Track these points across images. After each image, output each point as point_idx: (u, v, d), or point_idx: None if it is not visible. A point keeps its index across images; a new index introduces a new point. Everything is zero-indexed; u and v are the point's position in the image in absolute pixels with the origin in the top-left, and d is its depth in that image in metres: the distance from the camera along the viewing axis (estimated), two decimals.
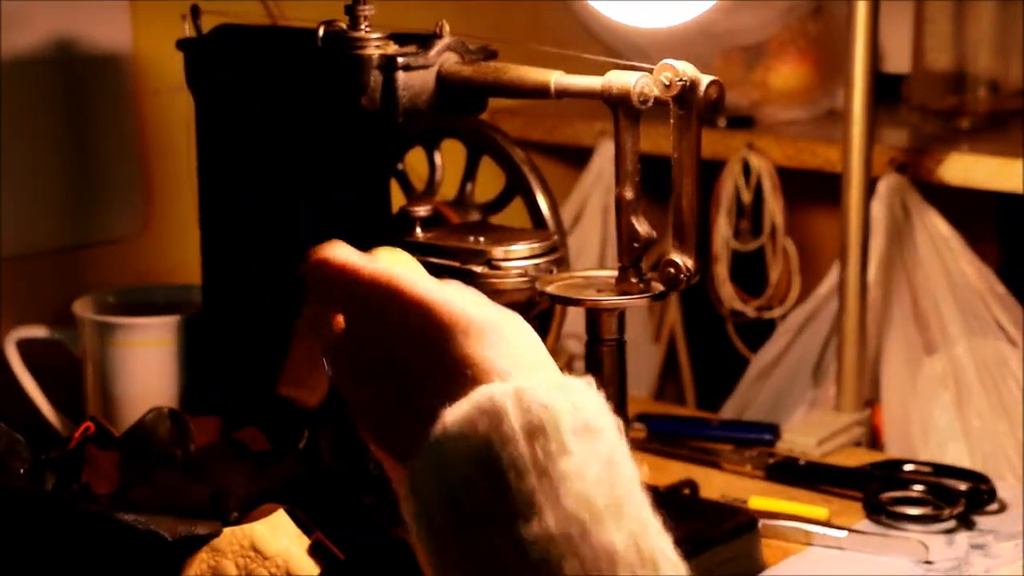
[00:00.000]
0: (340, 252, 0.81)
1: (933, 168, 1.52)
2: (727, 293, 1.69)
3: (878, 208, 1.53)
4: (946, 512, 1.23)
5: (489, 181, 1.26)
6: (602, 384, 1.06)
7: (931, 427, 1.53)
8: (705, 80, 1.01)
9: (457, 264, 1.13)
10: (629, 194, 1.04)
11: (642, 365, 1.80)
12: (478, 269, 1.12)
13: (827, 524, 1.23)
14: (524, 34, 1.66)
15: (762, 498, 1.27)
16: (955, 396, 1.52)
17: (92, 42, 1.40)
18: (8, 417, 1.12)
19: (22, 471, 1.09)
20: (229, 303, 1.23)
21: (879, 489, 1.27)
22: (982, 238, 1.61)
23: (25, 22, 1.35)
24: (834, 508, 1.26)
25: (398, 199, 1.20)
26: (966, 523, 1.24)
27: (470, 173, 1.27)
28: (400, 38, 1.11)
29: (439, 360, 0.75)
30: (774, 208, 1.65)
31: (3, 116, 1.35)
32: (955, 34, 1.62)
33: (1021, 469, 1.48)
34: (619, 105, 1.02)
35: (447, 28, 1.11)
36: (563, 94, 1.05)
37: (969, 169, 1.50)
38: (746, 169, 1.65)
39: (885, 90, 1.55)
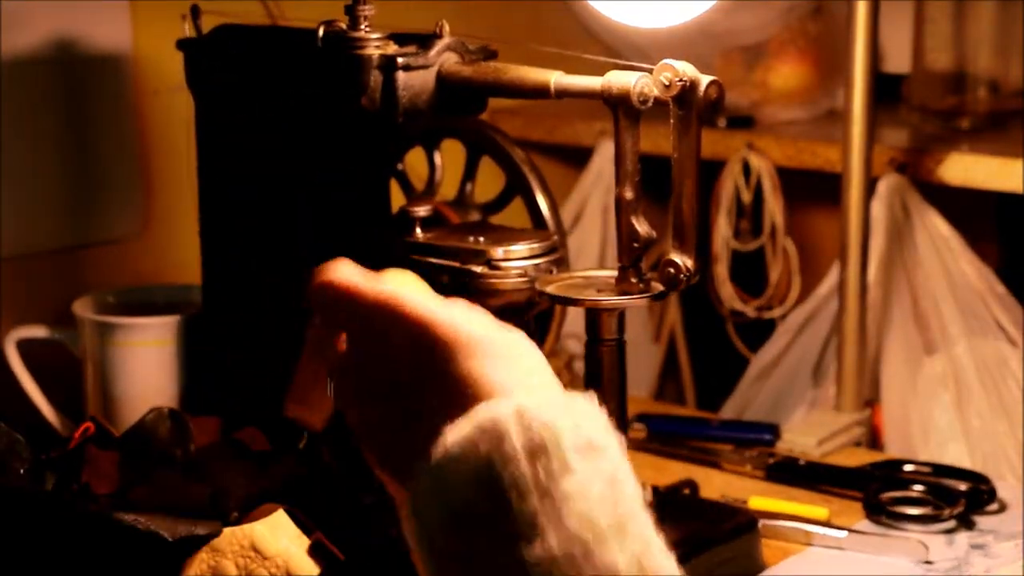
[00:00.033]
0: (344, 273, 0.79)
1: (933, 168, 1.52)
2: (727, 293, 1.69)
3: (878, 208, 1.53)
4: (946, 512, 1.23)
5: (489, 181, 1.26)
6: (602, 385, 1.07)
7: (931, 427, 1.53)
8: (705, 80, 1.01)
9: (457, 264, 1.13)
10: (629, 194, 1.04)
11: (642, 365, 1.80)
12: (478, 269, 1.12)
13: (827, 524, 1.23)
14: (524, 34, 1.66)
15: (762, 498, 1.27)
16: (955, 396, 1.52)
17: (92, 42, 1.40)
18: (8, 417, 1.12)
19: (22, 471, 1.09)
20: (229, 303, 1.23)
21: (879, 489, 1.27)
22: (982, 238, 1.61)
23: (25, 22, 1.35)
24: (834, 508, 1.26)
25: (398, 199, 1.20)
26: (966, 523, 1.24)
27: (470, 173, 1.27)
28: (400, 38, 1.11)
29: (440, 379, 0.74)
30: (774, 208, 1.65)
31: (3, 116, 1.35)
32: (955, 34, 1.62)
33: (1021, 469, 1.48)
34: (619, 105, 1.02)
35: (447, 28, 1.11)
36: (563, 94, 1.05)
37: (969, 169, 1.50)
38: (746, 169, 1.65)
39: (885, 90, 1.55)
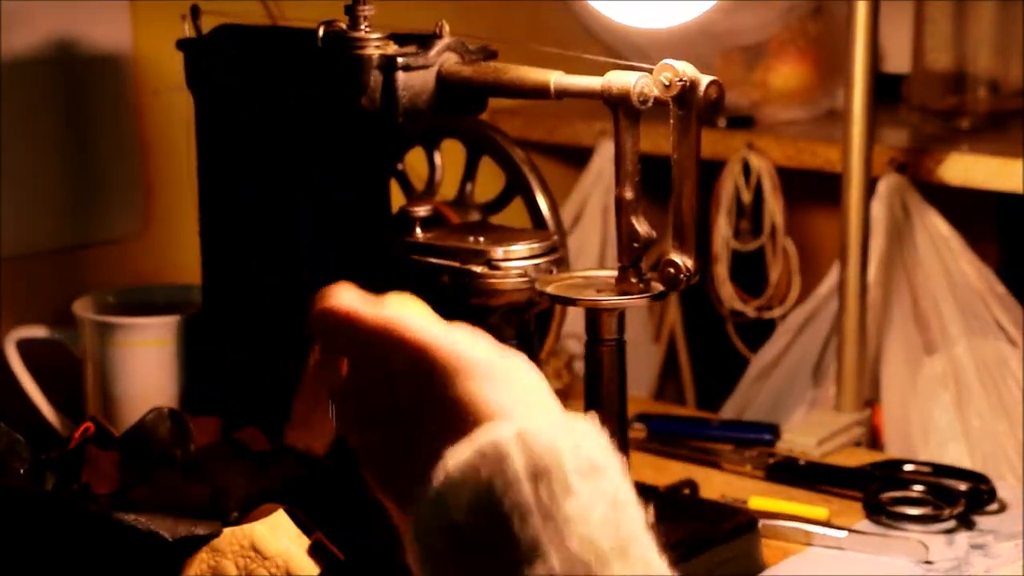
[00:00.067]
0: (345, 298, 0.79)
1: (933, 168, 1.52)
2: (727, 293, 1.69)
3: (878, 208, 1.53)
4: (946, 512, 1.23)
5: (489, 181, 1.26)
6: (602, 385, 1.07)
7: (931, 427, 1.53)
8: (705, 80, 1.01)
9: (457, 264, 1.13)
10: (629, 194, 1.04)
11: (642, 365, 1.80)
12: (478, 269, 1.12)
13: (827, 524, 1.23)
14: (524, 34, 1.66)
15: (762, 498, 1.27)
16: (955, 396, 1.52)
17: (92, 42, 1.40)
18: (8, 417, 1.12)
19: (22, 471, 1.09)
20: (229, 303, 1.23)
21: (879, 489, 1.27)
22: (982, 238, 1.61)
23: (25, 22, 1.35)
24: (834, 508, 1.26)
25: (398, 199, 1.20)
26: (966, 523, 1.24)
27: (470, 173, 1.27)
28: (400, 38, 1.11)
29: (439, 403, 0.74)
30: (774, 208, 1.65)
31: (3, 116, 1.35)
32: (955, 34, 1.62)
33: (1021, 469, 1.48)
34: (619, 105, 1.02)
35: (447, 28, 1.11)
36: (563, 94, 1.05)
37: (969, 169, 1.50)
38: (746, 169, 1.65)
39: (885, 90, 1.55)
